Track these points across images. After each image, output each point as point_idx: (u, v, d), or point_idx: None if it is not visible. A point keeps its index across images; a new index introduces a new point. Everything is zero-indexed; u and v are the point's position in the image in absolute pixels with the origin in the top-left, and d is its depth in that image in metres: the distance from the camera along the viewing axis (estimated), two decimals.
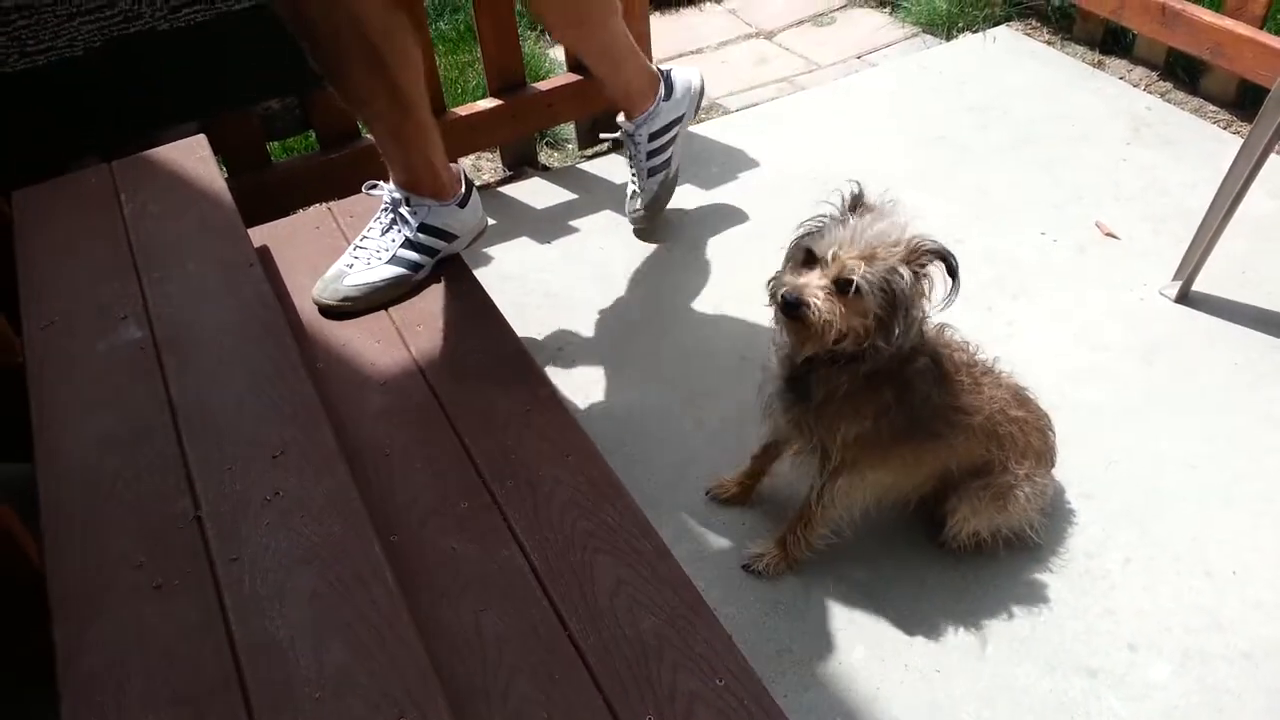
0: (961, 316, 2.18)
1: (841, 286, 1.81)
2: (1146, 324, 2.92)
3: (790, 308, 1.82)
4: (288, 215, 2.84)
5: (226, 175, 3.14)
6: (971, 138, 3.76)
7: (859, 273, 1.78)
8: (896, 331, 1.85)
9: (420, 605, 1.79)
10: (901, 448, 2.06)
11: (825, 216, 1.91)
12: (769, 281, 1.95)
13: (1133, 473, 2.46)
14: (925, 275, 1.85)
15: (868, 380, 1.95)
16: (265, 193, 3.09)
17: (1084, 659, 2.08)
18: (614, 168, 3.69)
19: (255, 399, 1.82)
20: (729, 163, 3.69)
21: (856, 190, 1.92)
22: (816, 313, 1.80)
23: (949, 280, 1.84)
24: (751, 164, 3.68)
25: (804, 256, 1.89)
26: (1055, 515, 2.35)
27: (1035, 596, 2.20)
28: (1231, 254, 3.02)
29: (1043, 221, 3.35)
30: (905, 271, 1.81)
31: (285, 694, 1.35)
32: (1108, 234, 3.30)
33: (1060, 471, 2.39)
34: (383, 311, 2.45)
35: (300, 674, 1.37)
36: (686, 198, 3.52)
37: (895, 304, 1.82)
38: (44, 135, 2.82)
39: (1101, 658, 2.08)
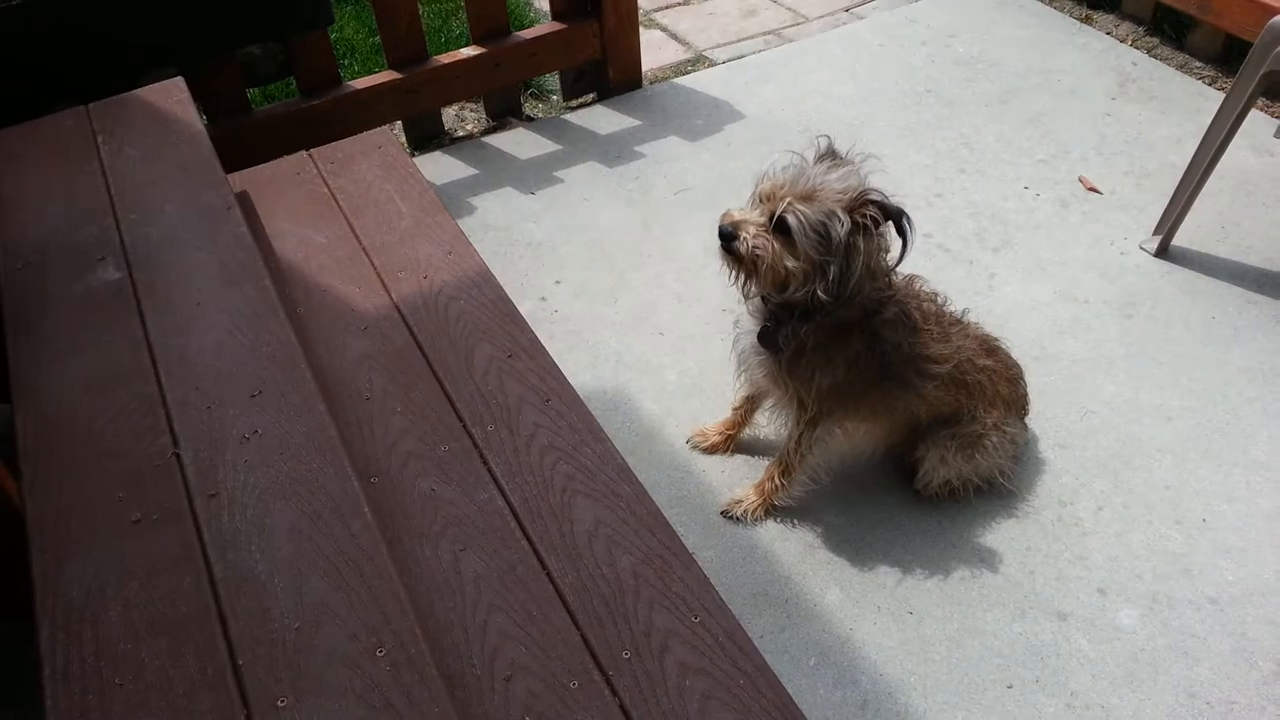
0: (943, 269, 2.20)
1: (777, 225, 1.82)
2: (1126, 278, 2.94)
3: (724, 238, 1.87)
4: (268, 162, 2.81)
5: (206, 122, 3.11)
6: (958, 91, 3.75)
7: (791, 210, 1.79)
8: (831, 278, 1.83)
9: (400, 545, 1.80)
10: (873, 395, 2.08)
11: (788, 164, 1.92)
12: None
13: (1109, 424, 2.49)
14: (872, 226, 1.82)
15: (836, 332, 1.96)
16: (245, 139, 3.07)
17: (1054, 603, 2.11)
18: (598, 119, 3.67)
19: (233, 340, 1.82)
20: (715, 115, 3.67)
21: (826, 144, 1.92)
22: (745, 244, 1.83)
23: (902, 238, 1.84)
24: (737, 116, 3.67)
25: (755, 200, 1.90)
26: (1030, 464, 2.38)
27: (1008, 542, 2.23)
28: (1212, 209, 3.04)
29: (1027, 175, 3.35)
30: (844, 217, 1.79)
31: (263, 624, 1.37)
32: (1090, 188, 3.31)
33: (1036, 422, 2.41)
34: (364, 258, 2.44)
35: (279, 605, 1.39)
36: (671, 150, 3.50)
37: (830, 250, 1.80)
38: (19, 78, 2.77)
39: (1072, 602, 2.11)
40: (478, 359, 2.16)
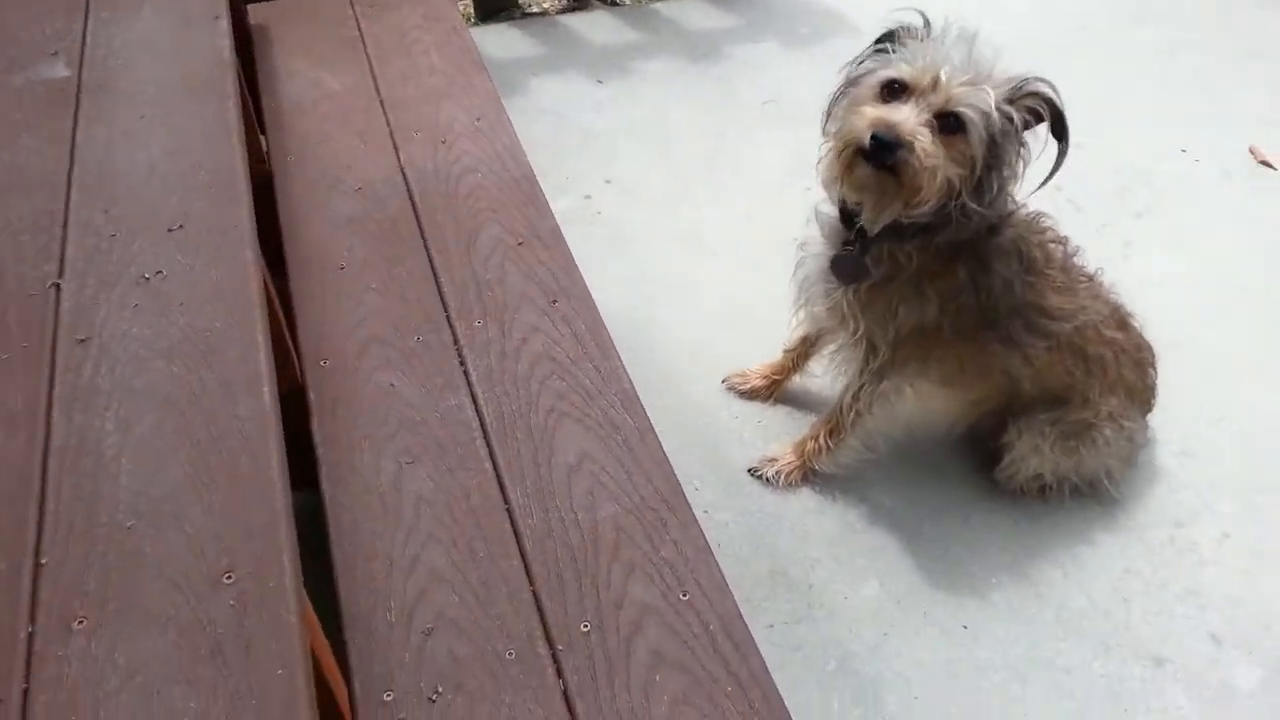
0: (1071, 229, 1.75)
1: (946, 124, 1.38)
2: None
3: (885, 151, 1.37)
4: None
5: None
6: (1120, 33, 3.21)
7: (967, 104, 1.35)
8: (994, 189, 1.41)
9: (335, 444, 1.46)
10: (964, 348, 1.64)
11: (892, 47, 1.48)
12: (829, 124, 1.52)
13: (1247, 434, 2.02)
14: (1033, 121, 1.44)
15: (941, 254, 1.52)
16: None
17: (1152, 644, 1.67)
18: (691, 12, 3.23)
19: (169, 162, 1.48)
20: (825, 23, 3.20)
21: (923, 19, 1.48)
22: (922, 156, 1.36)
23: (1055, 140, 1.43)
24: (852, 29, 3.18)
25: (882, 90, 1.45)
26: (1144, 470, 1.93)
27: (1103, 560, 1.79)
28: None
29: (1186, 136, 2.82)
30: (1013, 111, 1.38)
31: (89, 514, 1.02)
32: (1262, 161, 2.77)
33: (1159, 421, 1.95)
34: (379, 110, 2.07)
35: (115, 493, 1.04)
36: (766, 55, 3.05)
37: (999, 152, 1.39)
38: None
39: (1175, 646, 1.67)
40: (482, 241, 1.79)
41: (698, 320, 2.22)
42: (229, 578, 0.98)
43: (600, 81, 2.90)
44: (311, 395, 1.53)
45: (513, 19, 3.17)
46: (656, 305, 2.23)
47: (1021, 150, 1.45)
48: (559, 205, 2.45)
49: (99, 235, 1.34)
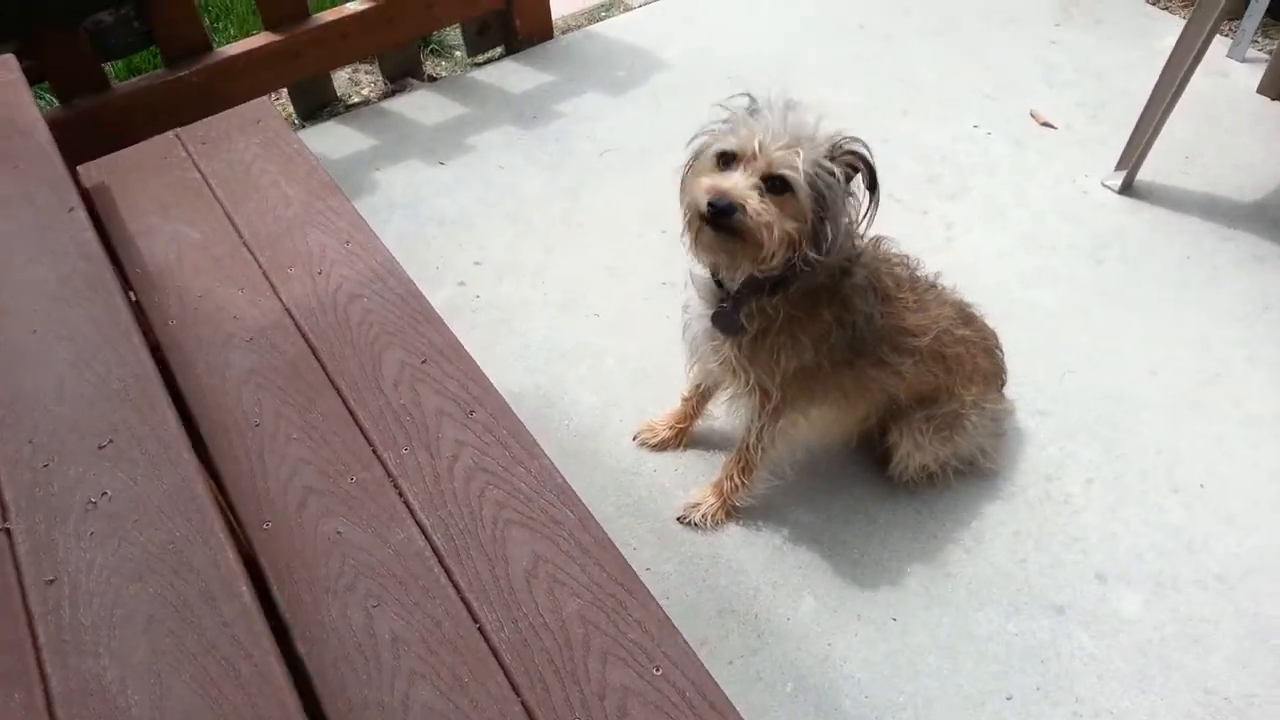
0: (897, 221, 1.94)
1: (772, 185, 1.54)
2: (1092, 219, 2.73)
3: (721, 215, 1.53)
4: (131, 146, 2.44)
5: (57, 104, 2.72)
6: (893, 25, 3.49)
7: (788, 165, 1.52)
8: (829, 238, 1.59)
9: (300, 605, 1.51)
10: (843, 377, 1.82)
11: (725, 121, 1.65)
12: (682, 195, 1.68)
13: (1091, 383, 2.29)
14: (851, 175, 1.61)
15: (803, 302, 1.70)
16: (106, 120, 2.68)
17: (1050, 594, 1.91)
18: (509, 76, 3.33)
19: (78, 376, 1.50)
20: (637, 64, 3.36)
21: (750, 100, 1.65)
22: (755, 216, 1.52)
23: (867, 192, 1.61)
24: (661, 64, 3.36)
25: (717, 161, 1.61)
26: (1010, 437, 2.17)
27: (994, 528, 2.02)
28: (1171, 140, 2.83)
29: (975, 113, 3.12)
30: (834, 167, 1.56)
31: None
32: (1044, 123, 3.08)
33: (1014, 387, 2.19)
34: (247, 254, 2.10)
35: None
36: (593, 106, 3.19)
37: (826, 204, 1.57)
38: None
39: (1069, 592, 1.91)
40: (387, 367, 1.86)
41: (599, 384, 2.33)
42: None
43: (442, 163, 2.98)
44: (263, 561, 1.58)
45: (336, 114, 3.20)
46: (556, 377, 2.35)
47: (849, 199, 1.64)
48: (438, 298, 2.54)
49: (33, 469, 1.37)
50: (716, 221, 1.55)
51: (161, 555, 1.26)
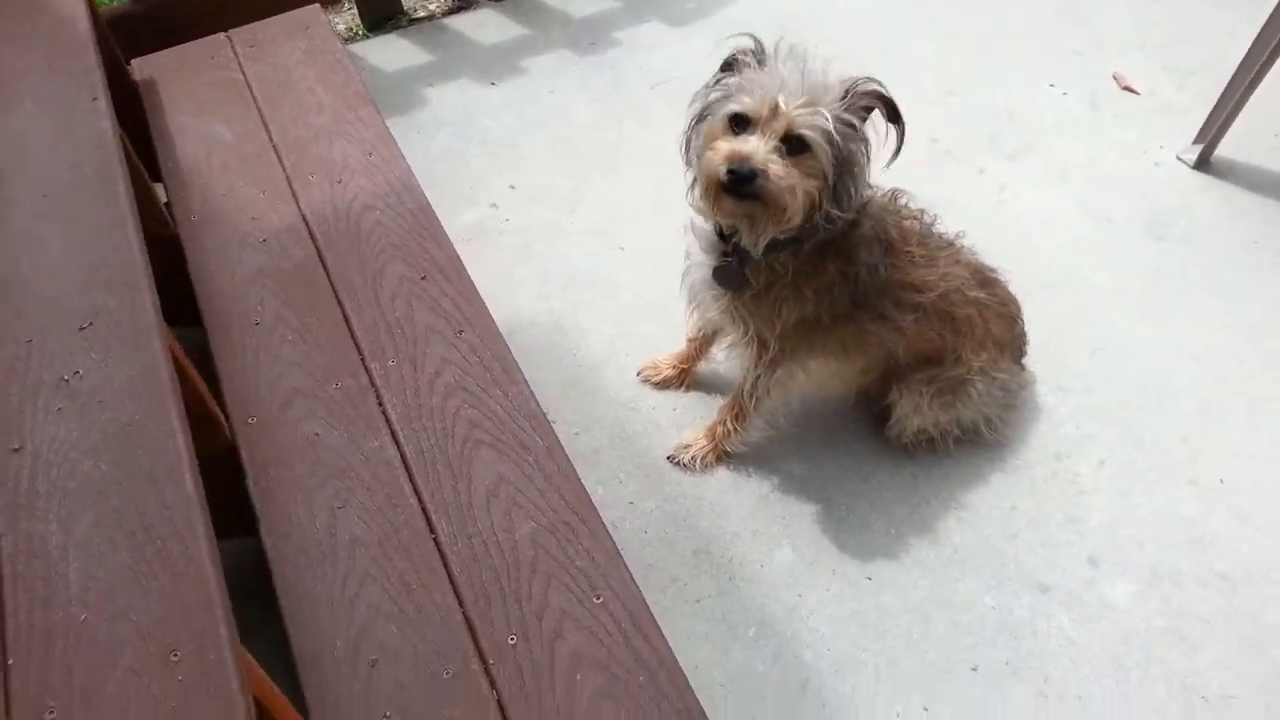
0: (948, 178, 1.86)
1: (791, 145, 1.49)
2: (1159, 193, 2.57)
3: (742, 182, 1.48)
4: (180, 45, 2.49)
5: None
6: None
7: (808, 125, 1.47)
8: (851, 194, 1.54)
9: (273, 499, 1.57)
10: (843, 329, 1.77)
11: (730, 76, 1.59)
12: (689, 159, 1.63)
13: (1123, 365, 2.18)
14: (865, 117, 1.54)
15: (812, 256, 1.65)
16: (161, 17, 2.73)
17: (1037, 574, 1.85)
18: (574, 1, 3.28)
19: (71, 260, 1.56)
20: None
21: (755, 43, 1.58)
22: (777, 180, 1.47)
23: (890, 126, 1.53)
24: (732, 1, 3.26)
25: (730, 122, 1.56)
26: (1026, 410, 2.09)
27: (991, 501, 1.96)
28: (1261, 114, 2.63)
29: (1053, 71, 2.95)
30: (851, 117, 1.50)
31: (45, 612, 1.14)
32: (1125, 87, 2.91)
33: (1038, 361, 2.11)
34: (274, 156, 2.15)
35: (67, 590, 1.16)
36: (653, 36, 3.12)
37: (846, 159, 1.51)
38: None
39: (1057, 573, 1.85)
40: (387, 280, 1.90)
41: (614, 317, 2.32)
42: (175, 656, 1.10)
43: (494, 84, 2.97)
44: (244, 453, 1.64)
45: (400, 27, 3.21)
46: (572, 307, 2.34)
47: (866, 147, 1.57)
48: (467, 218, 2.56)
49: (16, 342, 1.43)
50: (738, 189, 1.50)
51: (119, 436, 1.31)
